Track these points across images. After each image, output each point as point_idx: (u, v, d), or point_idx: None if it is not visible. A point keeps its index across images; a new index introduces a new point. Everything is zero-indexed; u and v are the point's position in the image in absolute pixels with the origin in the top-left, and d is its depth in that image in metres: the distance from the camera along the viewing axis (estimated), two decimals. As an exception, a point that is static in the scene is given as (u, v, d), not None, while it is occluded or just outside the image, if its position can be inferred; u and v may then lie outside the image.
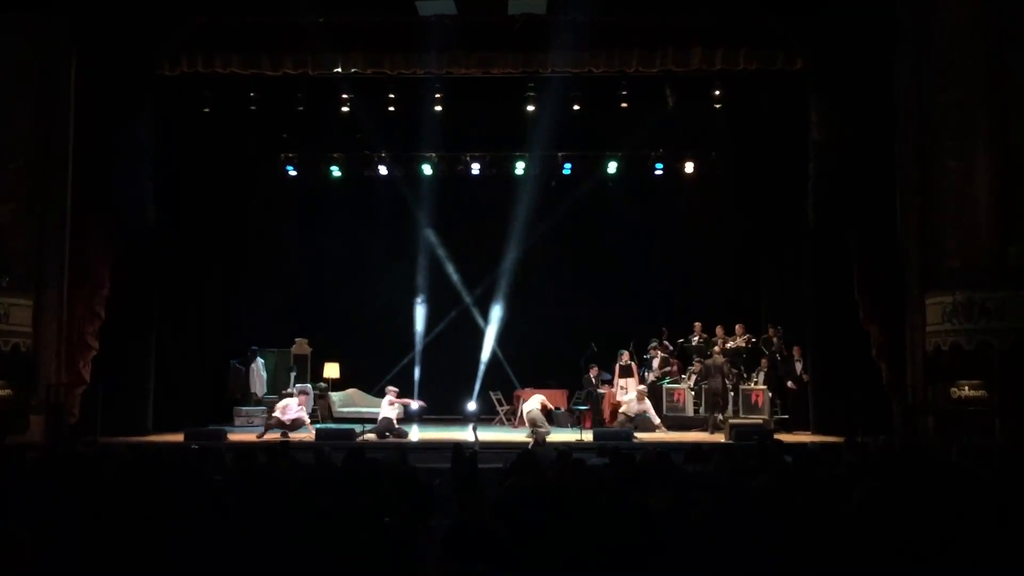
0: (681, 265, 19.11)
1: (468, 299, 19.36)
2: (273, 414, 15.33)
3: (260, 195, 19.34)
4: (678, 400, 16.87)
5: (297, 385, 17.23)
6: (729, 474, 6.72)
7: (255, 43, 15.11)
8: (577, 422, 16.10)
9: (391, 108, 16.77)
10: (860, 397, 14.12)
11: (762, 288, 18.56)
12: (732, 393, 16.71)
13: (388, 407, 15.43)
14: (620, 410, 16.19)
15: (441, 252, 19.33)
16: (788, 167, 15.99)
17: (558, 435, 15.14)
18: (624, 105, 16.50)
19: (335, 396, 17.86)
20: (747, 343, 17.44)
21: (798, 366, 16.60)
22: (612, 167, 18.76)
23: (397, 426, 15.27)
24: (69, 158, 14.69)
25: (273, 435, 14.58)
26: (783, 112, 16.10)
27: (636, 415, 15.94)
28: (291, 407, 15.22)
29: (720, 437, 14.74)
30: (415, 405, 16.47)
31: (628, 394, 16.33)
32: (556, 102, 16.33)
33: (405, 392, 17.49)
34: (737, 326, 17.63)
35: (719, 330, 17.75)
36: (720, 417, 15.80)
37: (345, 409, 17.56)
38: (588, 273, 19.33)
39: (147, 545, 4.42)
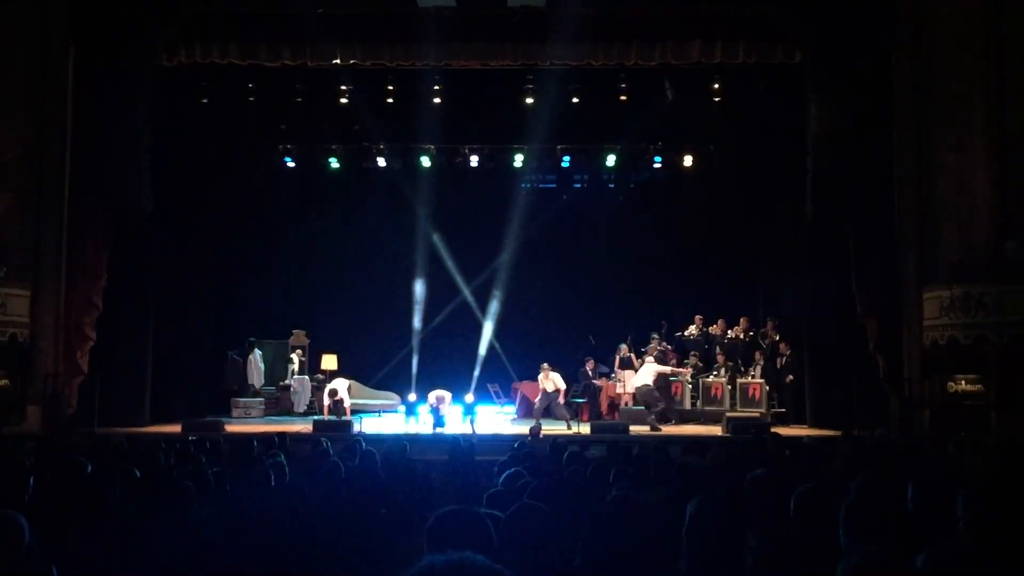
0: (679, 258, 19.11)
1: (466, 291, 19.35)
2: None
3: (258, 186, 19.27)
4: (676, 393, 16.86)
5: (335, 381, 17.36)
6: (726, 466, 6.74)
7: (253, 34, 15.07)
8: (575, 415, 16.10)
9: (389, 100, 16.73)
10: (857, 391, 14.15)
11: (760, 281, 18.57)
12: (729, 387, 16.74)
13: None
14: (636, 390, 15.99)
15: (439, 244, 19.31)
16: (786, 160, 15.99)
17: (555, 427, 15.16)
18: (623, 98, 16.47)
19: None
20: (744, 336, 17.47)
21: (779, 360, 16.63)
22: (611, 160, 18.75)
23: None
24: (66, 148, 14.68)
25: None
26: (782, 106, 16.08)
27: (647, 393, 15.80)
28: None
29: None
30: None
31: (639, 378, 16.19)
32: (555, 95, 16.30)
33: (402, 383, 17.54)
34: (742, 319, 17.66)
35: (720, 323, 17.79)
36: (654, 414, 15.72)
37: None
38: (586, 265, 19.32)
39: (143, 534, 4.42)
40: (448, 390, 15.78)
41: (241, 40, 15.08)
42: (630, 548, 3.81)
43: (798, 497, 4.09)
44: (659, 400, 15.83)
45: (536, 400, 16.32)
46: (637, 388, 15.86)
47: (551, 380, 16.08)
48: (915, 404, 13.64)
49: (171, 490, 5.12)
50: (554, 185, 18.82)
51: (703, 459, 7.77)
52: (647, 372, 15.88)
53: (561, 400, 16.03)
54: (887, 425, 13.64)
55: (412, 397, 16.53)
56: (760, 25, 14.80)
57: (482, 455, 9.29)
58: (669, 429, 15.47)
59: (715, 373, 17.04)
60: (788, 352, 16.52)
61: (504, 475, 5.80)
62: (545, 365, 16.21)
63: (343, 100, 16.70)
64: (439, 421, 15.20)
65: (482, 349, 18.82)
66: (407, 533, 4.90)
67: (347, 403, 15.94)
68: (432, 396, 15.59)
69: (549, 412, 16.00)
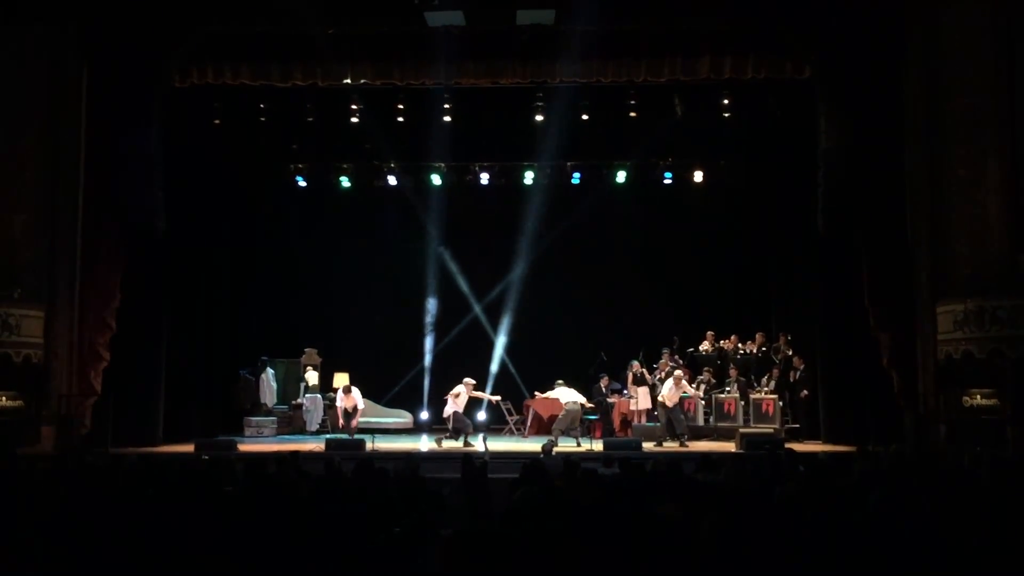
0: (690, 274, 19.07)
1: (477, 308, 19.34)
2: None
3: (270, 205, 19.39)
4: (689, 409, 16.77)
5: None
6: (742, 483, 6.70)
7: (264, 54, 15.18)
8: (587, 432, 16.05)
9: (400, 118, 16.79)
10: (871, 406, 14.06)
11: (772, 297, 18.52)
12: (742, 403, 16.66)
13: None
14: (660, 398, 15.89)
15: (450, 262, 19.33)
16: (797, 175, 15.97)
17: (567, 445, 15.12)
18: (633, 114, 16.48)
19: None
20: (757, 351, 17.41)
21: (793, 375, 16.55)
22: (621, 176, 18.75)
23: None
24: (80, 169, 14.79)
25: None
26: (792, 120, 16.09)
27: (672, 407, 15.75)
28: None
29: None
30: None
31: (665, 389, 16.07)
32: (565, 111, 16.33)
33: (414, 401, 17.55)
34: (757, 334, 17.62)
35: (733, 338, 17.74)
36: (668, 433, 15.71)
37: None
38: (597, 282, 19.29)
39: (157, 553, 4.42)
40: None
41: (252, 61, 15.20)
42: (644, 565, 3.78)
43: (815, 513, 4.06)
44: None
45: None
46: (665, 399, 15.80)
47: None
48: (930, 419, 13.54)
49: (184, 510, 5.11)
50: (564, 201, 18.81)
51: (717, 476, 7.72)
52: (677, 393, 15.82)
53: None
54: (902, 440, 13.53)
55: (424, 415, 16.50)
56: (769, 41, 14.83)
57: (494, 473, 9.26)
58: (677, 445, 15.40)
59: (728, 389, 16.97)
60: (802, 367, 16.44)
61: (517, 493, 5.78)
62: (560, 382, 16.24)
63: (354, 119, 16.78)
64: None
65: (494, 366, 18.80)
66: (420, 552, 4.88)
67: (360, 405, 15.97)
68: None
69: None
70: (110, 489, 6.26)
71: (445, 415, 15.99)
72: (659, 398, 15.93)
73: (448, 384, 16.90)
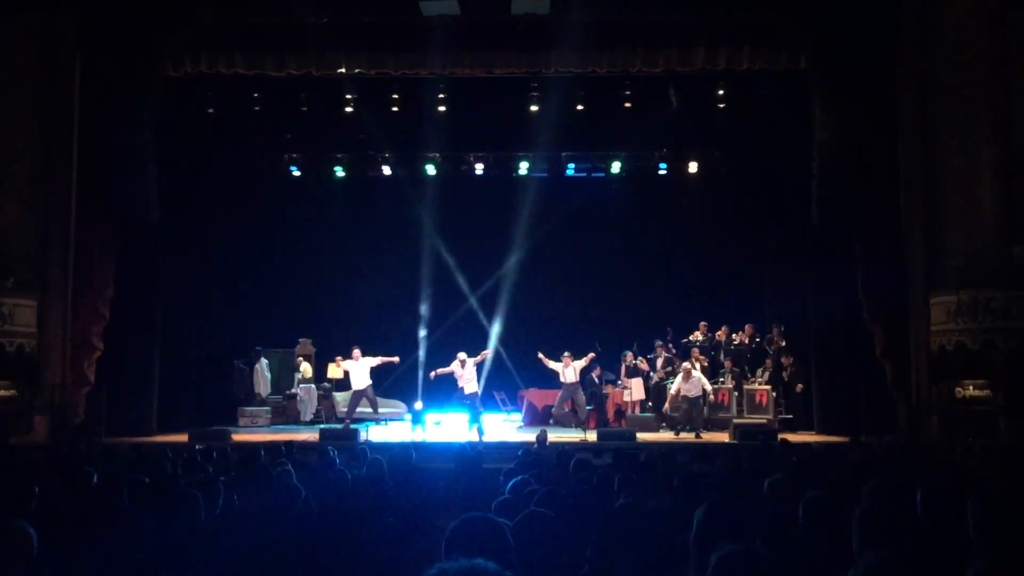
0: (685, 265, 19.09)
1: (472, 299, 19.33)
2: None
3: (264, 195, 19.32)
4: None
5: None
6: (735, 474, 6.72)
7: (258, 44, 15.12)
8: (581, 422, 16.08)
9: (395, 108, 16.76)
10: (864, 397, 14.11)
11: (766, 288, 18.54)
12: (736, 394, 16.69)
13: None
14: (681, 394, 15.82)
15: (445, 252, 19.30)
16: (792, 166, 15.97)
17: (562, 435, 15.13)
18: (628, 105, 16.48)
19: (339, 396, 17.86)
20: (750, 342, 17.43)
21: (785, 373, 16.56)
22: (616, 167, 18.75)
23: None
24: (73, 159, 14.74)
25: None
26: (787, 111, 16.08)
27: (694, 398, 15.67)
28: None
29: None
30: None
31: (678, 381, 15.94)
32: (560, 102, 16.30)
33: (409, 391, 17.55)
34: (747, 325, 17.64)
35: (723, 329, 17.76)
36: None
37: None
38: (591, 273, 19.31)
39: (150, 544, 4.42)
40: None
41: (246, 50, 15.13)
42: (638, 556, 3.79)
43: (807, 503, 4.07)
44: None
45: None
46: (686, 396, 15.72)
47: (572, 368, 16.09)
48: (923, 410, 13.59)
49: (178, 499, 5.11)
50: (559, 192, 18.80)
51: (711, 466, 7.75)
52: (696, 383, 15.73)
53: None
54: (895, 431, 13.59)
55: (418, 405, 16.52)
56: (764, 31, 14.81)
57: (489, 463, 9.26)
58: (671, 436, 15.43)
59: (721, 380, 16.99)
60: (791, 362, 16.44)
61: (511, 483, 5.78)
62: (568, 354, 16.25)
63: (348, 109, 16.74)
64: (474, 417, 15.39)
65: (488, 357, 18.77)
66: (415, 541, 4.89)
67: (364, 380, 16.15)
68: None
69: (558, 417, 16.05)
70: (103, 479, 6.25)
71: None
72: (681, 392, 15.74)
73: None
